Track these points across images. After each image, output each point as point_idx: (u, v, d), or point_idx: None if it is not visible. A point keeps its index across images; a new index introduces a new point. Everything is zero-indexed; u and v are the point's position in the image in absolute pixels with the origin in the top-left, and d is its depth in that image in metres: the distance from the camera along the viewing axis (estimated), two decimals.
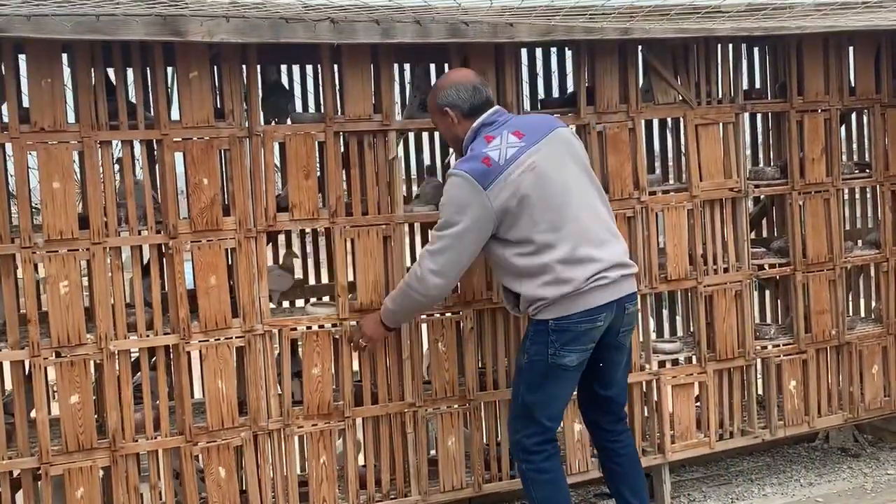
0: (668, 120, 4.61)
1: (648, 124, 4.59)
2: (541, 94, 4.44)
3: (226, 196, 3.57)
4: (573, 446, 3.92)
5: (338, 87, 3.61)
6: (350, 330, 3.57)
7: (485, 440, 3.88)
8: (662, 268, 4.02)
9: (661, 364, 4.10)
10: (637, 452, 3.61)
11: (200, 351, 3.40)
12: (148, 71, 3.37)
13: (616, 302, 3.27)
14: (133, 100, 3.36)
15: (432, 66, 4.24)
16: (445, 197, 3.22)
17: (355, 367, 3.70)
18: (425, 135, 4.53)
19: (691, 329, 4.35)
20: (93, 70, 3.25)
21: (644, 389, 4.04)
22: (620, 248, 3.34)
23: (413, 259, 4.59)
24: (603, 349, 3.35)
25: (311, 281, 4.63)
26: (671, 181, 4.66)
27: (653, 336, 4.18)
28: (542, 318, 3.23)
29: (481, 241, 3.23)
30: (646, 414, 4.08)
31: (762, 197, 4.66)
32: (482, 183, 3.15)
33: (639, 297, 3.59)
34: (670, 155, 4.83)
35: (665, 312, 4.95)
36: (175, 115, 3.37)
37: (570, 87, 4.23)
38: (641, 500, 3.50)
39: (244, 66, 3.43)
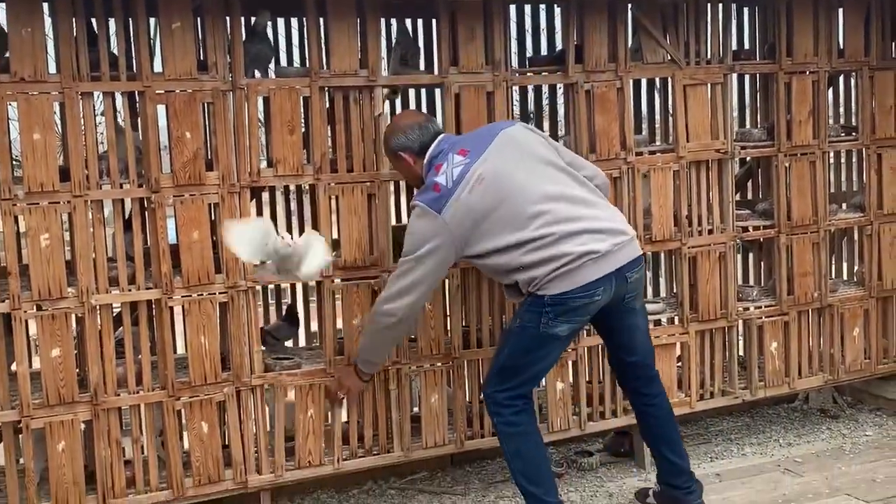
0: (657, 80, 4.58)
1: (637, 84, 4.56)
2: (529, 53, 4.41)
3: (209, 150, 3.54)
4: (555, 404, 3.94)
5: (323, 42, 3.57)
6: (327, 385, 3.58)
7: (467, 398, 3.90)
8: (647, 228, 4.02)
9: None
10: (672, 411, 3.66)
11: (183, 306, 3.38)
12: (130, 22, 3.31)
13: (615, 273, 3.25)
14: (115, 51, 3.31)
15: (420, 22, 4.19)
16: (409, 229, 3.28)
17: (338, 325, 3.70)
18: (411, 91, 4.49)
19: (674, 290, 4.37)
20: (74, 20, 3.19)
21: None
22: (606, 217, 3.32)
23: (398, 218, 4.58)
24: (615, 317, 3.40)
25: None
26: (658, 142, 4.64)
27: None
28: (539, 294, 3.23)
29: (444, 264, 3.28)
30: None
31: (748, 159, 4.66)
32: (436, 209, 3.19)
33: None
34: (657, 115, 4.82)
35: (648, 273, 4.96)
36: (158, 67, 3.32)
37: (559, 46, 4.21)
38: (680, 455, 3.57)
39: (228, 18, 3.38)
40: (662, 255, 4.79)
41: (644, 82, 4.68)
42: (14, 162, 3.24)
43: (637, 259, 3.35)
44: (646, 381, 3.57)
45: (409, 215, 3.43)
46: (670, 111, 4.26)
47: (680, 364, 4.23)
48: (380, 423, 3.71)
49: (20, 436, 3.30)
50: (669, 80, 4.10)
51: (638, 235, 3.90)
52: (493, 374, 3.40)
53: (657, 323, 4.26)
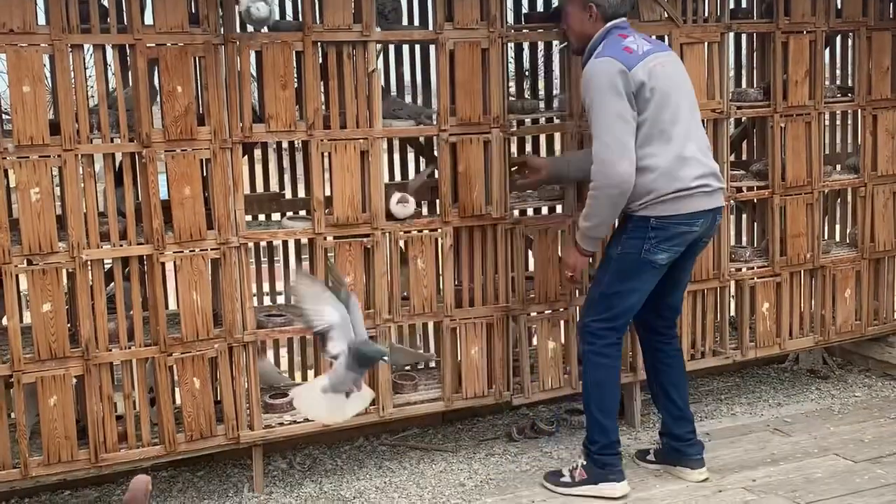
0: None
1: None
2: (525, 9, 4.35)
3: (200, 105, 3.50)
4: (546, 363, 3.95)
5: None
6: (562, 270, 3.67)
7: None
8: None
9: None
10: (683, 357, 3.80)
11: (175, 262, 3.37)
12: None
13: (712, 211, 3.41)
14: (105, 3, 3.26)
15: None
16: (594, 82, 3.29)
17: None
18: (405, 47, 4.44)
19: None
20: None
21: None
22: (713, 162, 3.48)
23: (391, 177, 4.55)
24: (685, 254, 3.48)
25: (288, 195, 4.58)
26: None
27: None
28: (644, 215, 3.33)
29: (634, 116, 3.30)
30: None
31: (743, 119, 4.63)
32: (626, 65, 3.27)
33: None
34: None
35: None
36: (149, 19, 3.28)
37: (556, 2, 4.16)
38: (687, 403, 3.69)
39: None
40: None
41: None
42: (3, 115, 3.21)
43: (723, 208, 3.54)
44: (670, 322, 3.70)
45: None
46: None
47: None
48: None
49: (11, 390, 3.30)
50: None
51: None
52: (592, 303, 3.52)
53: None
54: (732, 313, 4.53)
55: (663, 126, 3.32)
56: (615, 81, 3.26)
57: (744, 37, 4.77)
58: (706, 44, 4.05)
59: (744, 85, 4.82)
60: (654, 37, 4.36)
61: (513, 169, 3.85)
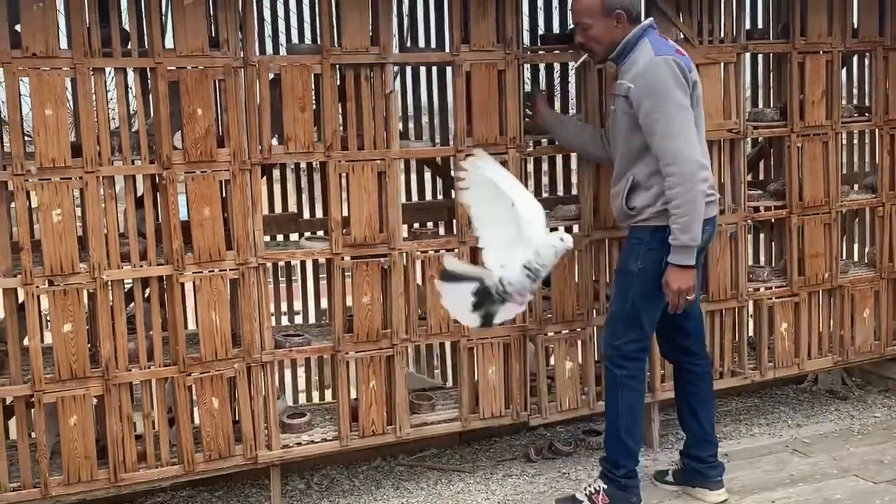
0: None
1: None
2: (541, 30, 4.38)
3: (220, 127, 3.54)
4: (563, 383, 3.95)
5: (335, 18, 3.55)
6: (674, 304, 3.34)
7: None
8: None
9: None
10: (712, 379, 3.78)
11: (194, 282, 3.39)
12: None
13: (714, 219, 3.42)
14: (127, 27, 3.31)
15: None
16: (661, 79, 3.23)
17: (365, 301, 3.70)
18: (422, 69, 4.47)
19: None
20: None
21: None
22: None
23: (408, 197, 4.58)
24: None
25: (306, 215, 4.61)
26: None
27: None
28: (660, 224, 3.29)
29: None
30: None
31: (760, 139, 4.63)
32: (686, 66, 3.28)
33: None
34: None
35: None
36: (169, 43, 3.32)
37: (571, 24, 4.18)
38: (711, 423, 3.66)
39: None
40: None
41: None
42: (26, 137, 3.25)
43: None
44: (697, 339, 3.66)
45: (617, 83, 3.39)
46: None
47: None
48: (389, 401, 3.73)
49: (32, 410, 3.32)
50: None
51: None
52: (620, 322, 3.43)
53: None
54: (751, 333, 4.52)
55: (697, 131, 3.32)
56: (680, 80, 3.25)
57: (760, 57, 4.78)
58: (722, 64, 4.06)
59: (760, 105, 4.82)
60: None
61: (527, 103, 3.84)
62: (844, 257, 4.69)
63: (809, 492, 3.71)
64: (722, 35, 4.07)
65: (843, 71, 4.55)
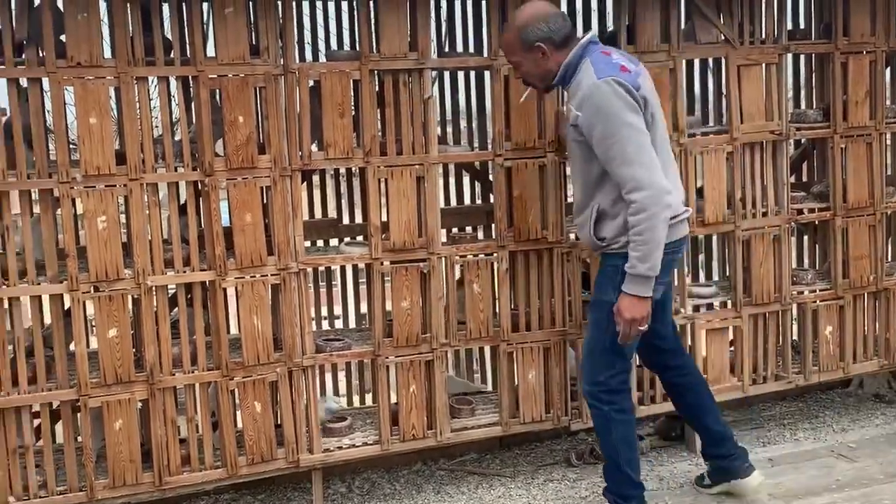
0: (710, 60, 4.52)
1: (689, 64, 4.50)
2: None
3: (261, 134, 3.57)
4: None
5: (373, 25, 3.57)
6: (622, 332, 3.20)
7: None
8: (700, 211, 3.97)
9: (696, 308, 4.08)
10: (706, 381, 3.71)
11: (236, 287, 3.43)
12: (184, 7, 3.35)
13: (687, 237, 3.34)
14: (169, 36, 3.35)
15: (469, 4, 4.17)
16: (607, 105, 3.04)
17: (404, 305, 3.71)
18: (461, 74, 4.48)
19: (727, 273, 4.32)
20: (129, 5, 3.23)
21: (678, 333, 4.02)
22: (679, 185, 3.39)
23: (447, 202, 4.58)
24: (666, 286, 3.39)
25: (346, 220, 4.64)
26: (711, 123, 4.59)
27: (688, 280, 4.15)
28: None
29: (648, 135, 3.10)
30: None
31: (803, 140, 4.58)
32: (631, 84, 3.07)
33: None
34: (710, 96, 4.75)
35: (701, 257, 4.92)
36: (211, 51, 3.36)
37: (610, 26, 4.17)
38: (721, 422, 3.62)
39: (280, 3, 3.40)
40: (715, 237, 4.74)
41: (697, 63, 4.62)
42: (71, 146, 3.30)
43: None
44: (673, 353, 3.59)
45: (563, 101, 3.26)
46: (723, 92, 4.20)
47: (732, 348, 4.18)
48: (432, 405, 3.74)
49: (78, 414, 3.37)
50: (723, 60, 4.04)
51: (690, 218, 3.89)
52: (601, 356, 3.29)
53: (709, 307, 4.22)
54: (795, 337, 4.46)
55: (654, 152, 3.11)
56: (628, 100, 3.04)
57: (802, 58, 4.72)
58: (764, 65, 4.02)
59: (803, 106, 4.77)
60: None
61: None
62: (890, 259, 4.61)
63: (856, 497, 3.66)
64: (763, 36, 4.03)
65: (888, 70, 4.48)
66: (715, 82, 4.61)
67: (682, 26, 3.93)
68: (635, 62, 3.28)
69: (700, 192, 4.01)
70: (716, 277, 4.83)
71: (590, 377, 3.35)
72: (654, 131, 3.14)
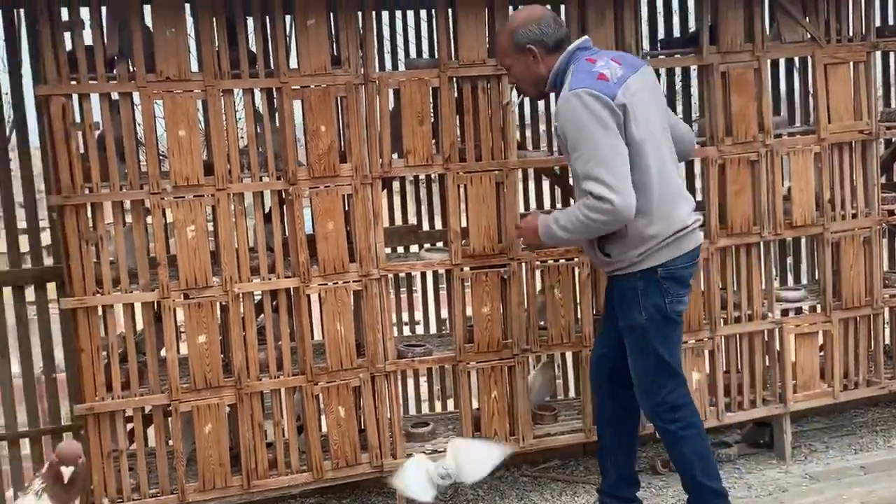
0: (796, 59, 4.42)
1: (774, 63, 4.41)
2: (660, 34, 4.33)
3: (342, 143, 3.62)
4: (692, 395, 3.85)
5: (452, 32, 3.59)
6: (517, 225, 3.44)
7: None
8: (787, 213, 3.89)
9: (784, 312, 4.00)
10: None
11: (320, 294, 3.48)
12: (267, 20, 3.42)
13: (696, 248, 3.21)
14: (254, 49, 3.43)
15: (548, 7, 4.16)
16: (576, 118, 2.98)
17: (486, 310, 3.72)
18: None
19: (816, 277, 4.22)
20: (214, 20, 3.32)
21: (766, 338, 3.95)
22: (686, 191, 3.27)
23: (527, 206, 4.57)
24: None
25: (425, 227, 4.67)
26: (797, 123, 4.49)
27: (776, 284, 4.07)
28: (647, 267, 3.09)
29: (625, 148, 3.00)
30: (767, 363, 4.00)
31: (893, 139, 4.45)
32: (607, 94, 2.97)
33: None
34: (797, 96, 4.65)
35: (789, 260, 4.81)
36: (294, 63, 3.42)
37: (692, 27, 4.11)
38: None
39: (360, 14, 3.45)
40: (803, 240, 4.63)
41: (782, 62, 4.52)
42: (161, 157, 3.40)
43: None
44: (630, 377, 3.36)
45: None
46: (810, 91, 4.11)
47: (822, 353, 4.08)
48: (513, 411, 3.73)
49: (169, 419, 3.47)
50: (809, 59, 3.95)
51: (777, 220, 3.82)
52: (656, 376, 3.21)
53: (798, 311, 4.13)
54: (887, 341, 4.33)
55: (648, 161, 3.03)
56: (600, 114, 2.95)
57: (892, 55, 4.59)
58: (852, 63, 3.92)
59: (893, 104, 4.63)
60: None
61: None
62: None
63: None
64: (850, 34, 3.93)
65: None
66: (801, 82, 4.52)
67: (768, 27, 3.85)
68: (632, 64, 3.15)
69: (787, 194, 3.93)
70: (804, 281, 4.72)
71: (648, 400, 3.28)
72: (641, 136, 3.03)
